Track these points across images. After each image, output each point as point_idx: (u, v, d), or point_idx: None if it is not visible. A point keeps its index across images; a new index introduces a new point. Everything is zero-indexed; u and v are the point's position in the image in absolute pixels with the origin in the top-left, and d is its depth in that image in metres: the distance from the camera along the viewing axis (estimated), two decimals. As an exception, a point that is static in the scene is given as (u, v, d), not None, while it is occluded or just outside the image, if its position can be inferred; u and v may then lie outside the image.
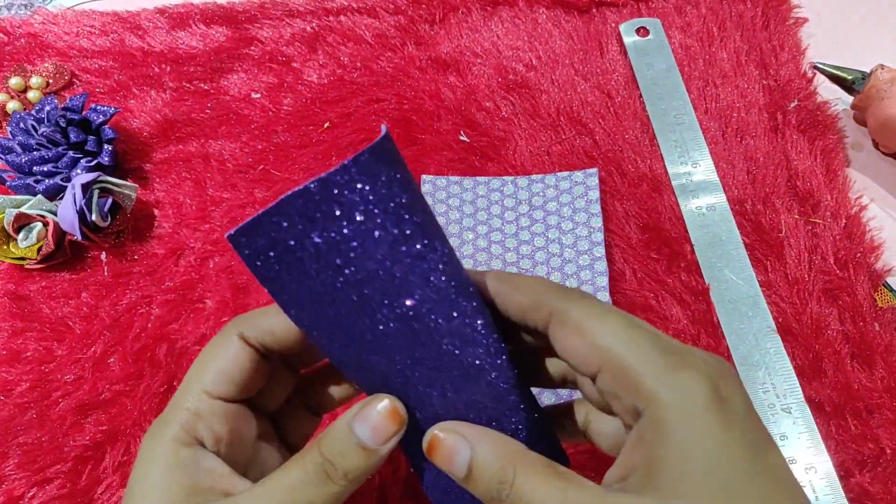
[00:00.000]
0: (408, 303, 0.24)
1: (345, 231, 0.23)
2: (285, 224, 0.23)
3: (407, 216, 0.24)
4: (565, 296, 0.25)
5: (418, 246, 0.24)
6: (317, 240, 0.23)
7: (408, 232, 0.24)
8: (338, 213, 0.23)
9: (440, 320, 0.24)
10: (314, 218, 0.23)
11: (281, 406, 0.30)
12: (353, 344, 0.25)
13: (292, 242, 0.24)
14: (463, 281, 0.25)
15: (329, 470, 0.25)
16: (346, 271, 0.24)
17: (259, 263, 0.24)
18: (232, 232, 0.24)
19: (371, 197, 0.23)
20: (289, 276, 0.24)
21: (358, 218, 0.23)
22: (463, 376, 0.25)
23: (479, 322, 0.25)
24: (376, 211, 0.23)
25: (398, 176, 0.24)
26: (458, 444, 0.24)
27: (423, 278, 0.24)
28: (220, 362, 0.27)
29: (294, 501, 0.24)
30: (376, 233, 0.23)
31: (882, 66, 0.51)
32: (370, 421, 0.25)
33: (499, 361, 0.25)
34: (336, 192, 0.23)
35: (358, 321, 0.25)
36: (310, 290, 0.24)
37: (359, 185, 0.23)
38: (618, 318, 0.24)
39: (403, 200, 0.24)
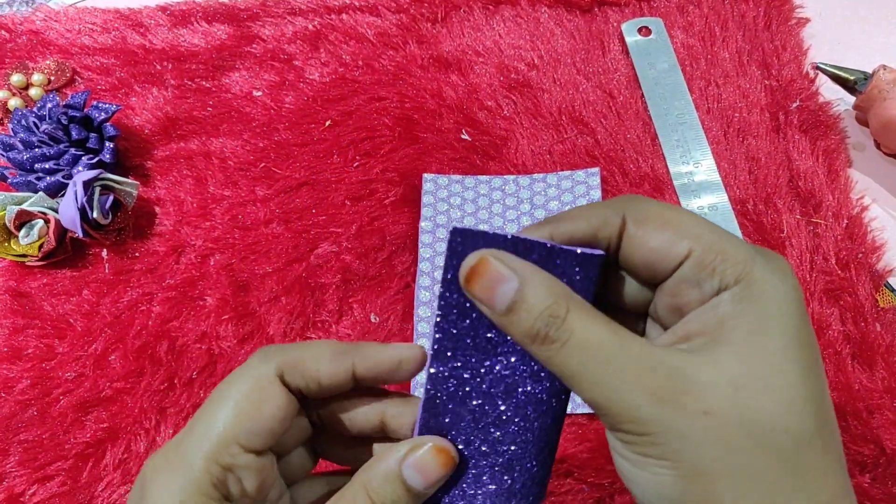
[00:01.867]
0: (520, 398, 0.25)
1: None
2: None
3: None
4: (632, 201, 0.24)
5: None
6: None
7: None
8: None
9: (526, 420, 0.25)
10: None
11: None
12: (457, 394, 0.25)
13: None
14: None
15: None
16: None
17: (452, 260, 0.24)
18: (460, 228, 0.24)
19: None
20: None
21: None
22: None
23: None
24: None
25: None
26: (505, 272, 0.22)
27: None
28: (259, 412, 0.24)
29: None
30: None
31: (884, 67, 0.51)
32: (422, 465, 0.24)
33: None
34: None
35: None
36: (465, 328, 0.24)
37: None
38: (694, 214, 0.23)
39: None
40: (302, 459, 0.28)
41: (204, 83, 0.59)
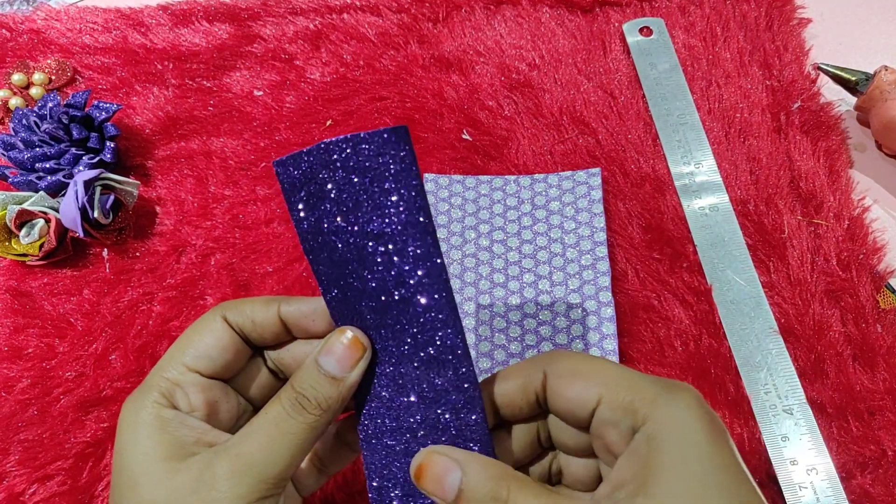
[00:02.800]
0: (404, 279, 0.27)
1: (367, 195, 0.26)
2: (319, 165, 0.27)
3: (420, 203, 0.26)
4: (552, 357, 0.28)
5: (423, 219, 0.26)
6: (331, 187, 0.27)
7: (421, 219, 0.26)
8: (365, 176, 0.26)
9: (427, 312, 0.27)
10: (342, 167, 0.27)
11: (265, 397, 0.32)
12: (346, 290, 0.28)
13: (322, 181, 0.27)
14: (450, 293, 0.27)
15: (303, 402, 0.27)
16: (361, 225, 0.27)
17: (291, 193, 0.28)
18: (276, 160, 0.28)
19: (394, 168, 0.26)
20: (312, 212, 0.28)
21: (386, 186, 0.26)
22: (433, 360, 0.27)
23: (456, 329, 0.27)
24: (398, 186, 0.26)
25: (415, 162, 0.27)
26: (448, 466, 0.25)
27: (425, 267, 0.27)
28: (201, 339, 0.29)
29: (277, 434, 0.27)
30: (394, 198, 0.26)
31: (886, 68, 0.51)
32: (335, 352, 0.27)
33: (466, 363, 0.27)
34: (366, 151, 0.26)
35: (357, 272, 0.27)
36: (326, 229, 0.27)
37: (389, 154, 0.26)
38: (606, 361, 0.27)
39: (419, 188, 0.27)
40: (310, 479, 0.33)
41: (205, 83, 0.59)
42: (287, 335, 0.31)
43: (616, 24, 0.60)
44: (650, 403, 0.24)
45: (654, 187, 0.51)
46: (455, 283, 0.48)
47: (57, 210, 0.50)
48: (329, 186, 0.27)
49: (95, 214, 0.48)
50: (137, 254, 0.51)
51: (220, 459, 0.27)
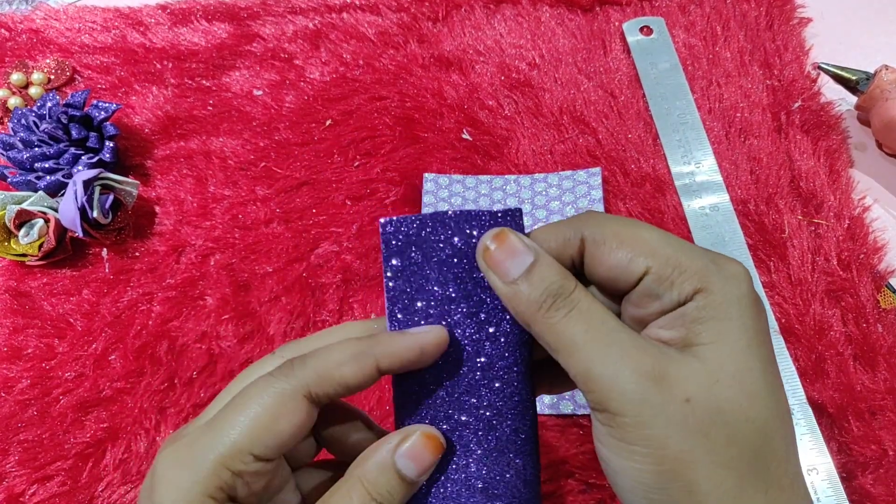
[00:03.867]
0: (481, 360, 0.26)
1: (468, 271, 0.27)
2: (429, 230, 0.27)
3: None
4: (589, 220, 0.25)
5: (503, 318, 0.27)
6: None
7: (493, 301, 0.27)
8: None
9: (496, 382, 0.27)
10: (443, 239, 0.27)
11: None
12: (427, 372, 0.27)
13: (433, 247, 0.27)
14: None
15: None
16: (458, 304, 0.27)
17: (395, 255, 0.27)
18: (384, 220, 0.27)
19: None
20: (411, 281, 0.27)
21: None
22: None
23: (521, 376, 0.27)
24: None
25: None
26: (521, 247, 0.25)
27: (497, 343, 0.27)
28: (280, 426, 0.24)
29: None
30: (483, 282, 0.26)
31: (886, 67, 0.51)
32: (413, 453, 0.25)
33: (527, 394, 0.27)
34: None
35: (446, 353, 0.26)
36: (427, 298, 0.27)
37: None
38: (650, 227, 0.25)
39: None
40: (307, 446, 0.28)
41: (204, 82, 0.59)
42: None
43: (616, 24, 0.60)
44: (699, 276, 0.23)
45: (654, 187, 0.51)
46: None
47: (56, 210, 0.49)
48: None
49: (95, 214, 0.48)
50: (137, 254, 0.51)
51: None
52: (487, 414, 0.26)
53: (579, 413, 0.42)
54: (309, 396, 0.24)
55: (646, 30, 0.59)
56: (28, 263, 0.50)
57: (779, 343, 0.44)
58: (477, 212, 0.26)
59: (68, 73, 0.60)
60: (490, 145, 0.54)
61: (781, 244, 0.48)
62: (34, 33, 0.62)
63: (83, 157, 0.52)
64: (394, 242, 0.27)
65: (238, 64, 0.60)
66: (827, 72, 0.54)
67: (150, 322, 0.48)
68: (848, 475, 0.40)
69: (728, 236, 0.48)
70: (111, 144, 0.53)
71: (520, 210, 0.27)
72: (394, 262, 0.27)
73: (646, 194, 0.51)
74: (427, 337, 0.26)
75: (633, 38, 0.58)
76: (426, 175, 0.53)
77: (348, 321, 0.41)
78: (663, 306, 0.24)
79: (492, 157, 0.54)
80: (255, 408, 0.24)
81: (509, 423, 0.26)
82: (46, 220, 0.50)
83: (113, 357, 0.46)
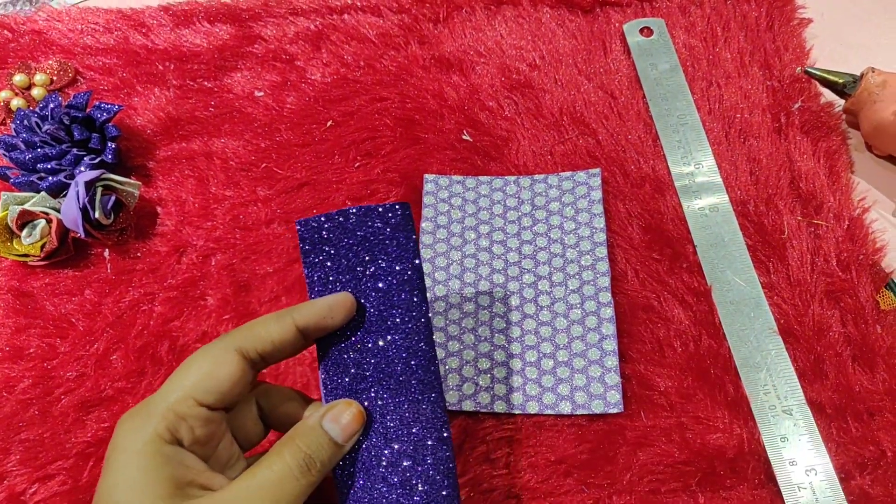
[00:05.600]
0: (390, 338, 0.32)
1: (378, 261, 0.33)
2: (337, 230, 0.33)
3: (418, 277, 0.33)
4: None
5: (416, 299, 0.33)
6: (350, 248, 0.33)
7: (417, 285, 0.33)
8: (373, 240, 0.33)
9: (412, 361, 0.32)
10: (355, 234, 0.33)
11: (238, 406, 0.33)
12: (345, 345, 0.32)
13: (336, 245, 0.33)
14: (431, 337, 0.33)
15: (309, 463, 0.28)
16: (374, 283, 0.33)
17: (309, 249, 0.33)
18: (300, 220, 0.33)
19: (402, 240, 0.33)
20: (326, 269, 0.33)
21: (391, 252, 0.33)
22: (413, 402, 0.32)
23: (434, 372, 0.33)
24: (404, 255, 0.33)
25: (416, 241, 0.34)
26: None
27: (413, 325, 0.32)
28: (216, 375, 0.29)
29: (281, 492, 0.27)
30: (398, 269, 0.33)
31: (873, 70, 0.50)
32: (341, 421, 0.30)
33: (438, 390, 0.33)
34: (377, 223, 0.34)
35: (356, 328, 0.32)
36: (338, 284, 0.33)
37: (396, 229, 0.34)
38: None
39: (417, 262, 0.33)
40: (255, 426, 0.33)
41: (206, 83, 0.59)
42: (304, 344, 0.32)
43: (616, 25, 0.60)
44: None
45: (654, 188, 0.51)
46: (455, 284, 0.48)
47: (58, 210, 0.50)
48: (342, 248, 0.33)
49: (97, 215, 0.49)
50: (138, 254, 0.51)
51: None
52: (394, 387, 0.32)
53: (578, 413, 0.43)
54: (240, 351, 0.30)
55: (646, 31, 0.59)
56: (30, 264, 0.50)
57: (778, 344, 0.44)
58: (375, 207, 0.33)
59: (71, 75, 0.60)
60: (490, 146, 0.54)
61: (781, 245, 0.48)
62: (37, 35, 0.62)
63: (85, 158, 0.52)
64: (308, 239, 0.33)
65: (239, 65, 0.60)
66: (813, 76, 0.53)
67: (152, 322, 0.48)
68: (846, 476, 0.40)
69: (727, 237, 0.48)
70: (113, 145, 0.53)
71: (408, 204, 0.34)
72: (311, 256, 0.33)
73: (645, 195, 0.51)
74: (334, 297, 0.32)
75: (634, 39, 0.58)
76: (426, 176, 0.53)
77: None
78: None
79: (492, 158, 0.54)
80: (195, 365, 0.29)
81: (414, 387, 0.32)
82: (49, 221, 0.50)
83: (114, 357, 0.47)
